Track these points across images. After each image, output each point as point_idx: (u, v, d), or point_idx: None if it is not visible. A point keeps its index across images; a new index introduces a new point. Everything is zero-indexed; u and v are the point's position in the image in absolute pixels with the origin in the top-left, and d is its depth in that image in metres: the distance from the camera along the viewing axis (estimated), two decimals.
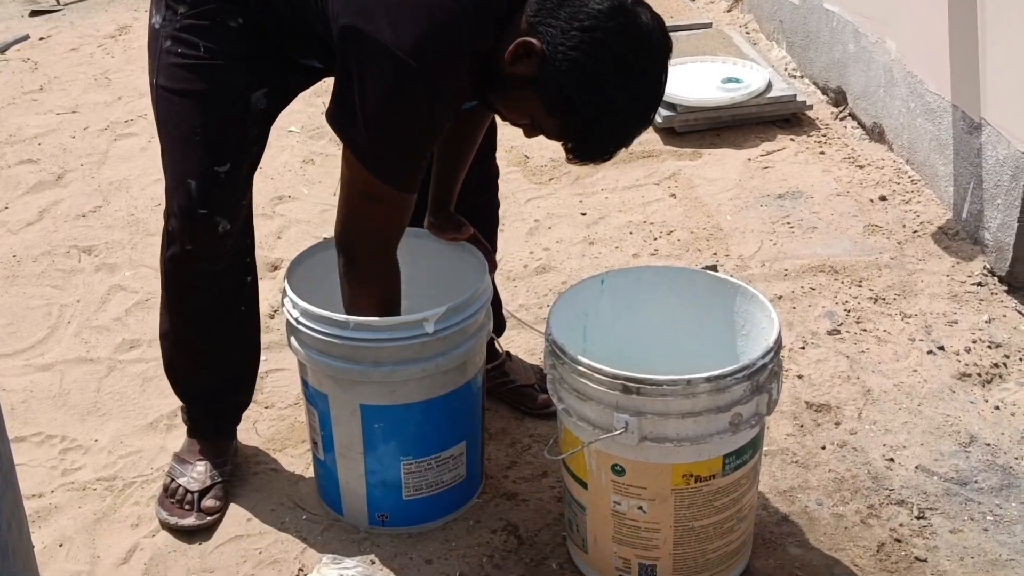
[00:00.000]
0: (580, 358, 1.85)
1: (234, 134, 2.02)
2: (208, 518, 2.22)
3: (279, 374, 2.68)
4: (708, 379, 1.81)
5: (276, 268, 3.12)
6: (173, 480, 2.28)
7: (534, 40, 1.72)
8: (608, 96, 1.72)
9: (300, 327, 2.03)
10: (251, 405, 2.40)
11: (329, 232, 3.43)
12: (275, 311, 2.90)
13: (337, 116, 1.86)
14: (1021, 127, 2.79)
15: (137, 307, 2.95)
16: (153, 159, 3.69)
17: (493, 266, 2.20)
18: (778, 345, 1.90)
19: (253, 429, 2.50)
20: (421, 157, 1.88)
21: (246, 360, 2.30)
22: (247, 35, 1.98)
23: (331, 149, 3.76)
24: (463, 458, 2.17)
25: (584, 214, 3.30)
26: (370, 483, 2.14)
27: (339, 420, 2.09)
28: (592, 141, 1.78)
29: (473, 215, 2.31)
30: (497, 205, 2.51)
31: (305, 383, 2.13)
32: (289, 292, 2.06)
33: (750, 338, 2.07)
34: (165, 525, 2.23)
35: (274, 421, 2.54)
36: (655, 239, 3.14)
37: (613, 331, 2.15)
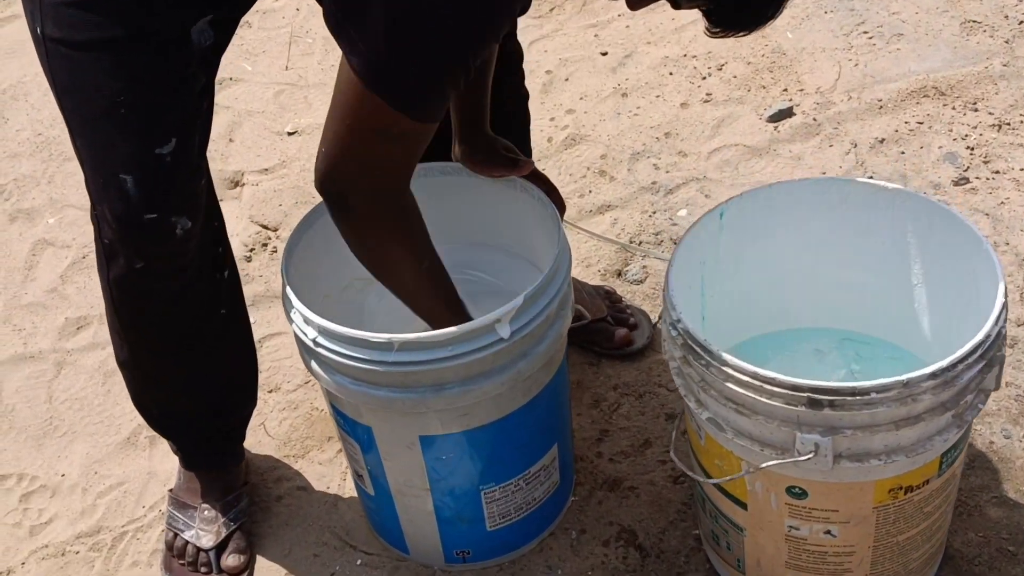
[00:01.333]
0: (742, 364, 1.29)
1: (175, 94, 1.35)
2: None
3: (275, 340, 2.09)
4: (933, 374, 1.26)
5: (237, 185, 2.47)
6: (177, 536, 1.74)
7: None
8: None
9: (320, 350, 1.44)
10: None
11: (293, 123, 2.79)
12: (251, 251, 2.28)
13: (344, 30, 1.20)
14: None
15: (74, 269, 2.31)
16: None
17: (562, 209, 1.59)
18: (1006, 298, 1.35)
19: (261, 428, 1.94)
20: (466, 76, 1.25)
21: (240, 370, 1.72)
22: None
23: (267, 3, 3.01)
24: (555, 463, 1.64)
25: (605, 53, 2.63)
26: (442, 519, 1.61)
27: (391, 455, 1.54)
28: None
29: (499, 116, 1.67)
30: (526, 96, 1.87)
31: (336, 410, 1.56)
32: (296, 304, 1.45)
33: (937, 262, 1.52)
34: None
35: (285, 411, 1.98)
36: (703, 79, 2.51)
37: (735, 277, 1.58)
